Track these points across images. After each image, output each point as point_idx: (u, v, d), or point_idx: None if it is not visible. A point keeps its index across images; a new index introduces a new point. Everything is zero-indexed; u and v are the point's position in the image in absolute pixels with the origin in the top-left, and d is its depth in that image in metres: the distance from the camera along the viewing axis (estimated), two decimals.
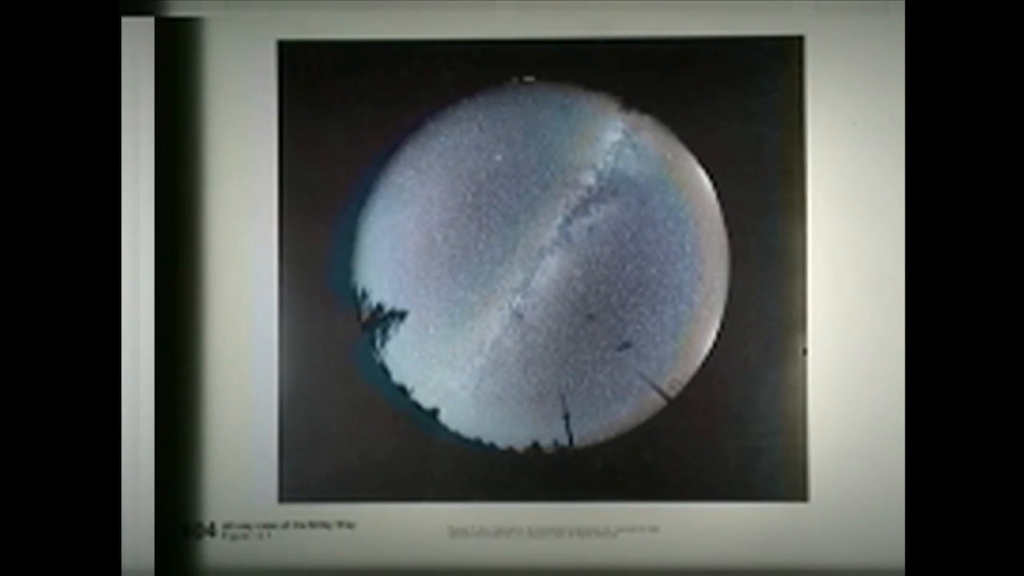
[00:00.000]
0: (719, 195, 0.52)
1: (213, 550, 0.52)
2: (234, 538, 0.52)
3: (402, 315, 0.53)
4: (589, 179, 0.53)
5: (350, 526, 0.52)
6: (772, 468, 0.52)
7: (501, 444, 0.52)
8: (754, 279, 0.52)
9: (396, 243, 0.53)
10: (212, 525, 0.52)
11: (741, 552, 0.52)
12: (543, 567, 0.52)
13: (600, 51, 0.52)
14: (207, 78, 0.53)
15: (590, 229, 0.53)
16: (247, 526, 0.52)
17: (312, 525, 0.52)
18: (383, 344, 0.53)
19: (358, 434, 0.52)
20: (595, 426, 0.53)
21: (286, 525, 0.52)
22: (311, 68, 0.53)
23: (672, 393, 0.52)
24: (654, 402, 0.52)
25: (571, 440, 0.52)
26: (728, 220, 0.52)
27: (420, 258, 0.53)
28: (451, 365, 0.53)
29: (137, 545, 0.50)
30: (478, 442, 0.52)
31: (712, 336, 0.52)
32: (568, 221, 0.53)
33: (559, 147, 0.53)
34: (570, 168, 0.53)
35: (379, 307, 0.53)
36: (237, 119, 0.53)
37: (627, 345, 0.52)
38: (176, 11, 0.53)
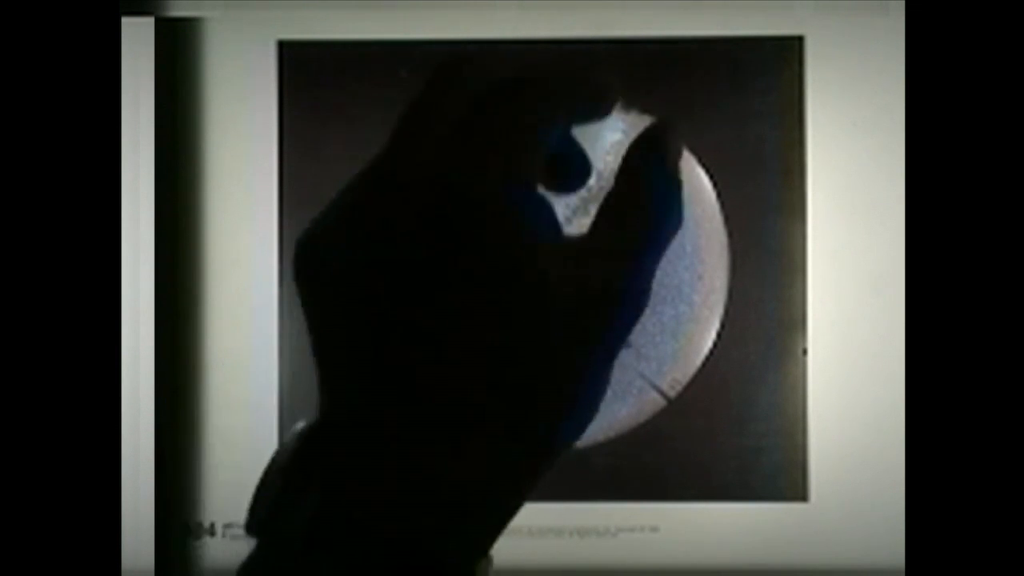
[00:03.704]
0: (719, 195, 0.52)
1: (213, 550, 0.52)
2: (234, 538, 0.52)
3: None
4: (589, 179, 0.53)
5: None
6: (772, 468, 0.52)
7: None
8: (754, 279, 0.52)
9: None
10: (212, 525, 0.52)
11: (741, 552, 0.52)
12: (543, 567, 0.52)
13: (600, 51, 0.52)
14: (207, 78, 0.53)
15: None
16: None
17: None
18: None
19: None
20: (595, 426, 0.52)
21: None
22: (311, 68, 0.53)
23: (672, 393, 0.52)
24: (654, 402, 0.52)
25: None
26: (728, 220, 0.52)
27: None
28: None
29: (137, 545, 0.50)
30: None
31: (712, 336, 0.52)
32: (568, 221, 0.53)
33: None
34: None
35: None
36: (237, 119, 0.53)
37: (627, 345, 0.52)
38: (176, 11, 0.53)
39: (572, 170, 0.33)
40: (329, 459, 0.26)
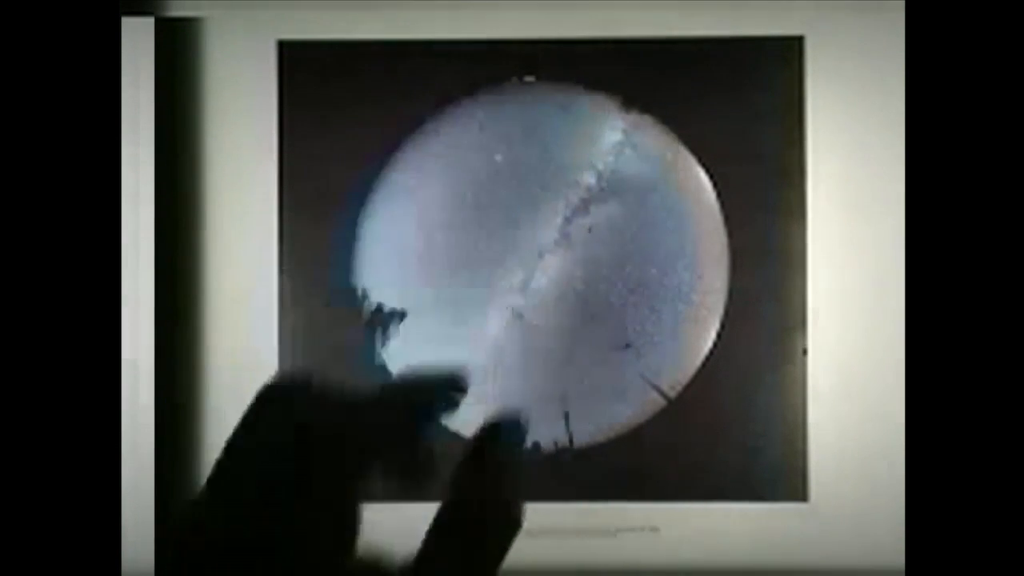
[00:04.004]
0: (719, 195, 0.52)
1: None
2: None
3: (402, 315, 0.53)
4: (589, 179, 0.53)
5: None
6: (772, 468, 0.52)
7: None
8: (754, 279, 0.52)
9: (396, 243, 0.53)
10: None
11: (741, 552, 0.52)
12: (543, 567, 0.52)
13: (600, 51, 0.52)
14: (207, 78, 0.53)
15: (590, 229, 0.53)
16: None
17: None
18: (383, 344, 0.53)
19: None
20: (595, 426, 0.53)
21: None
22: (311, 68, 0.53)
23: (672, 393, 0.52)
24: (654, 402, 0.52)
25: (571, 440, 0.52)
26: (728, 220, 0.52)
27: (420, 258, 0.53)
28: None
29: (137, 545, 0.50)
30: None
31: (712, 336, 0.52)
32: (568, 221, 0.53)
33: (559, 147, 0.53)
34: (570, 168, 0.53)
35: (379, 307, 0.53)
36: (237, 119, 0.53)
37: (627, 345, 0.52)
38: (176, 11, 0.53)
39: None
40: None
